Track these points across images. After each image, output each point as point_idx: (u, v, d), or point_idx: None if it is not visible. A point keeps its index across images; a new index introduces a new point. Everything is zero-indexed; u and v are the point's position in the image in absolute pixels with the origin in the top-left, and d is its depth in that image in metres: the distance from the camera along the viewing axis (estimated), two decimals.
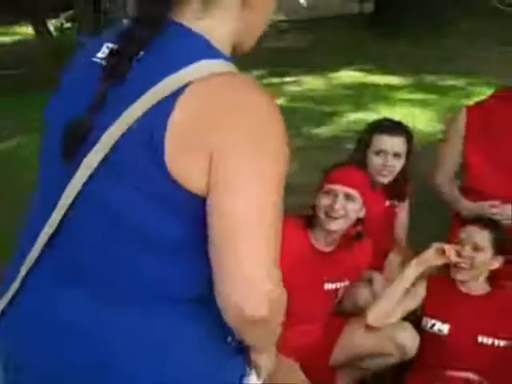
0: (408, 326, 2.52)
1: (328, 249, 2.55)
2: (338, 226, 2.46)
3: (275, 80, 8.05)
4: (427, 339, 2.52)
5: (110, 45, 1.22)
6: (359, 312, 2.63)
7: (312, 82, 7.97)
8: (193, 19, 1.21)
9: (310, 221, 2.54)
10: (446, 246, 2.47)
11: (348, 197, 2.45)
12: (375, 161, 2.83)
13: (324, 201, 2.46)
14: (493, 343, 2.49)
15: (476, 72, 7.45)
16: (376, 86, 7.69)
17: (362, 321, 2.54)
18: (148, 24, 1.18)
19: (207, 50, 1.19)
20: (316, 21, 10.90)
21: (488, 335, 2.49)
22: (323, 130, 6.02)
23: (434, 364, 2.50)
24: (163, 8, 1.19)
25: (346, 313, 2.73)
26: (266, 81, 8.06)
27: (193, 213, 1.16)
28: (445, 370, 2.50)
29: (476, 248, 2.50)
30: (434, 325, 2.55)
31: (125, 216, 1.17)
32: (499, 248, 2.54)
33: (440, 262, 2.49)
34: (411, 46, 9.14)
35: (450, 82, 7.42)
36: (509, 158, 2.88)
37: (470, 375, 2.48)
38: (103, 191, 1.18)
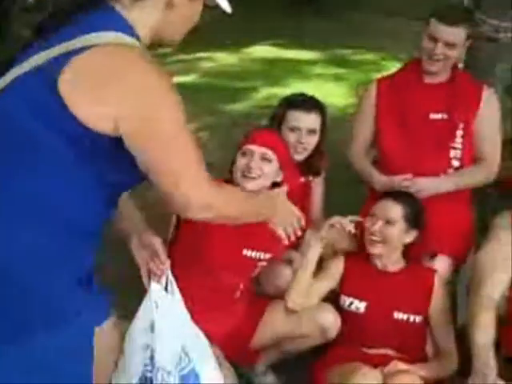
0: (329, 307, 2.49)
1: None
2: (254, 185, 2.41)
3: (187, 56, 7.88)
4: (346, 317, 2.50)
5: None
6: (281, 294, 2.58)
7: (225, 58, 7.85)
8: (124, 8, 1.50)
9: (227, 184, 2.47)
10: (337, 220, 2.46)
11: (264, 157, 2.42)
12: (290, 137, 2.76)
13: (241, 161, 2.43)
14: (408, 319, 2.48)
15: (387, 47, 7.52)
16: (289, 60, 7.65)
17: (283, 303, 2.50)
18: (86, 5, 1.50)
19: (121, 27, 1.47)
20: None
21: (403, 311, 2.48)
22: (237, 107, 5.93)
23: (353, 342, 2.48)
24: None
25: (268, 295, 2.67)
26: (177, 57, 7.87)
27: (83, 141, 1.42)
28: (363, 347, 2.48)
29: (388, 222, 2.49)
30: (351, 303, 2.51)
31: (22, 132, 1.43)
32: (413, 222, 2.52)
33: (334, 236, 2.50)
34: (324, 20, 9.15)
35: (362, 56, 7.47)
36: (417, 130, 2.85)
37: (388, 351, 2.47)
38: (9, 108, 1.45)
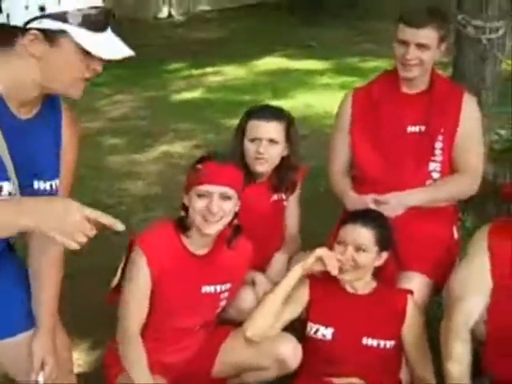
0: (289, 337, 2.34)
1: (204, 251, 2.33)
2: (216, 228, 2.26)
3: (196, 71, 7.81)
4: (312, 346, 2.34)
5: None
6: (245, 318, 2.44)
7: (233, 72, 7.76)
8: None
9: (182, 223, 2.31)
10: (326, 256, 2.29)
11: (225, 196, 2.24)
12: (250, 148, 2.64)
13: (198, 203, 2.23)
14: (378, 344, 2.31)
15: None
16: (298, 71, 7.53)
17: (242, 333, 2.35)
18: None
19: None
20: (240, 9, 10.69)
21: (373, 336, 2.31)
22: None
23: (319, 371, 2.33)
24: None
25: (230, 320, 2.53)
26: (186, 72, 7.81)
27: None
28: (330, 377, 2.32)
29: (359, 249, 2.30)
30: (317, 330, 2.35)
31: None
32: (385, 244, 2.35)
33: (321, 269, 2.32)
34: (335, 29, 9.02)
35: (371, 63, 7.29)
36: (394, 144, 2.69)
37: (357, 380, 2.31)
38: None
